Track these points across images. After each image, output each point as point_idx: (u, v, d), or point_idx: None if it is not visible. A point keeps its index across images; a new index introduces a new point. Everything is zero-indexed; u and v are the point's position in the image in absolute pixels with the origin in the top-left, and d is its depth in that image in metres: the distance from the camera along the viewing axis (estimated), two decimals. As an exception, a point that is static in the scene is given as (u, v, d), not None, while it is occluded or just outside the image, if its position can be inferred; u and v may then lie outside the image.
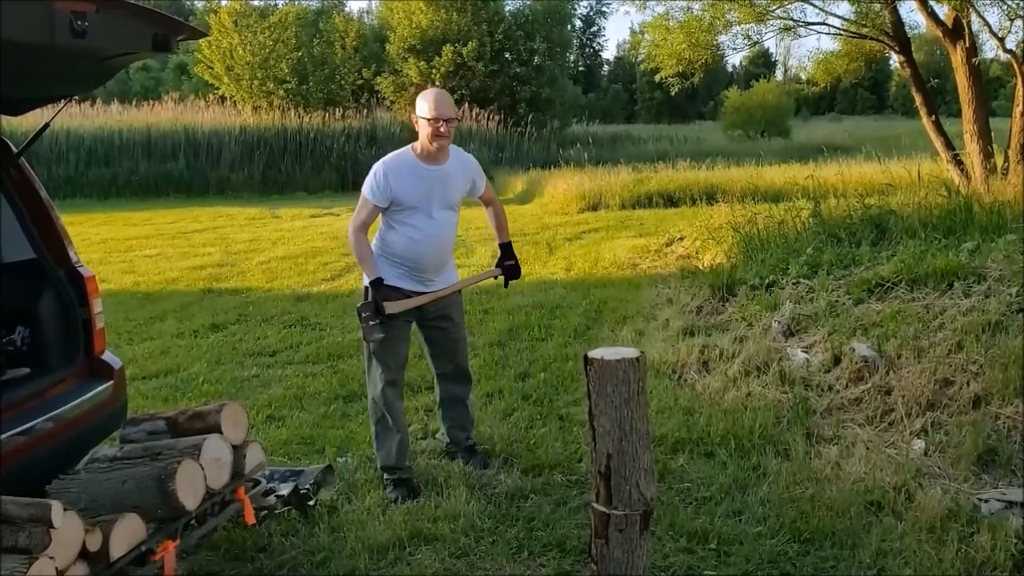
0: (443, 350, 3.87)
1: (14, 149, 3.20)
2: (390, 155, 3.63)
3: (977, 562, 2.84)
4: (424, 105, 3.50)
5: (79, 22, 2.33)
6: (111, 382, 3.19)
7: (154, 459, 2.73)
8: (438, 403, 4.03)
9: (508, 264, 3.93)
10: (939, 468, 3.55)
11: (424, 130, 3.50)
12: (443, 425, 4.02)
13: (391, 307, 3.45)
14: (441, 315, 3.77)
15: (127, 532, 2.44)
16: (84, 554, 2.33)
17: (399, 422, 3.70)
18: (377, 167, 3.55)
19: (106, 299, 3.43)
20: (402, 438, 3.68)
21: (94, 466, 2.82)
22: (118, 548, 2.40)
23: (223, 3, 26.19)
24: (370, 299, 3.47)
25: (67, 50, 2.42)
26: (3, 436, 2.63)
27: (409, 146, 3.62)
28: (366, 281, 3.57)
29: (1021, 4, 9.49)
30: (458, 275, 3.91)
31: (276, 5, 26.37)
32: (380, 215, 3.62)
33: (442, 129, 3.47)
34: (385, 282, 3.52)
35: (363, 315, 3.44)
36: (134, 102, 23.55)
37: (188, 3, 40.28)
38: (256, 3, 25.91)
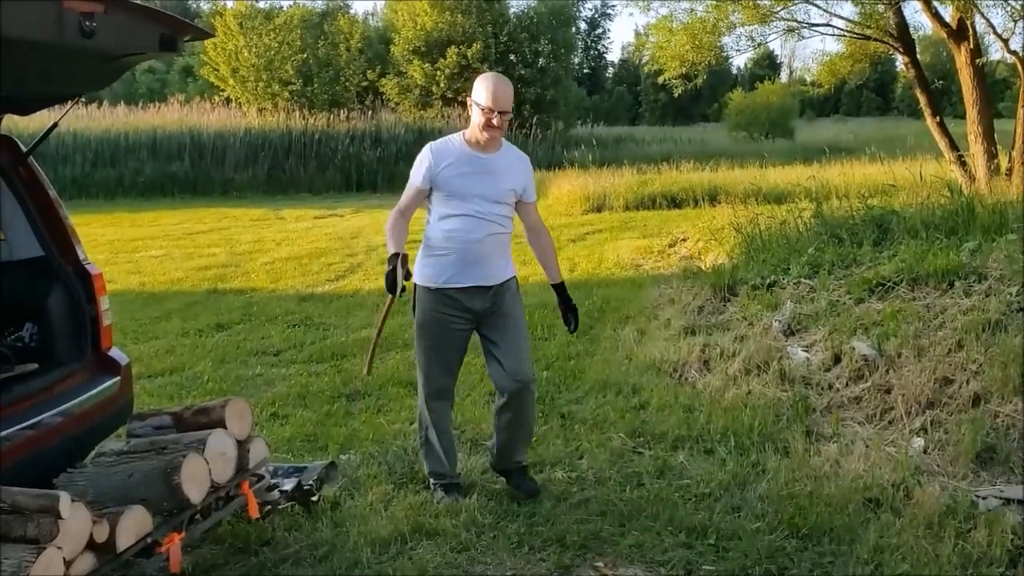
0: (501, 351, 3.44)
1: (23, 148, 3.25)
2: (439, 139, 3.47)
3: (973, 557, 2.86)
4: (482, 92, 3.26)
5: (87, 23, 2.37)
6: (118, 378, 3.24)
7: (160, 453, 2.77)
8: (496, 409, 3.58)
9: (568, 307, 3.53)
10: (938, 465, 3.58)
11: (476, 117, 3.28)
12: (495, 436, 3.61)
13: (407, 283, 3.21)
14: (498, 310, 3.42)
15: (134, 524, 2.48)
16: (91, 545, 2.36)
17: (444, 434, 3.53)
18: (424, 149, 3.40)
19: (112, 299, 3.46)
20: (448, 449, 3.55)
21: (101, 460, 2.86)
22: (124, 540, 2.44)
23: (228, 5, 26.34)
24: (392, 267, 3.17)
25: (75, 50, 2.46)
26: (12, 430, 2.68)
27: (460, 132, 3.43)
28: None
29: (1025, 5, 9.50)
30: (516, 269, 3.58)
31: (281, 7, 26.49)
32: (425, 203, 3.40)
33: (495, 121, 3.25)
34: (432, 287, 3.38)
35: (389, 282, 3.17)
36: (140, 104, 23.63)
37: (194, 5, 40.40)
38: (261, 5, 26.05)
